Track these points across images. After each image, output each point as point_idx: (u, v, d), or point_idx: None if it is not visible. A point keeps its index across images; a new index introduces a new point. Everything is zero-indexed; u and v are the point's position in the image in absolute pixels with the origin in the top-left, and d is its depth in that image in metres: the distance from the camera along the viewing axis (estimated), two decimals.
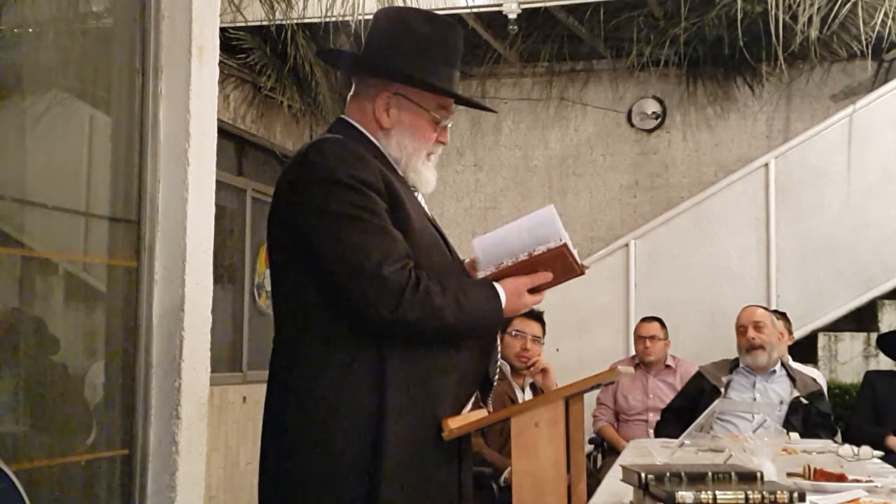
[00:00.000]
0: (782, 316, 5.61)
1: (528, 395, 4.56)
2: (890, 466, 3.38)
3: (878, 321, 6.85)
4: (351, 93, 2.36)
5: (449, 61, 2.32)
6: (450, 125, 2.36)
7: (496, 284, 2.22)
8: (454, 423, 2.17)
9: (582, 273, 2.29)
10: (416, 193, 2.32)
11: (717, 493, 1.93)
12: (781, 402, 4.64)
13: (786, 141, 7.40)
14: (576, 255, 2.24)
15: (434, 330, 2.14)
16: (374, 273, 2.07)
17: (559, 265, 2.24)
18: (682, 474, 2.02)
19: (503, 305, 2.21)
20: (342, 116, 2.35)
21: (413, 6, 2.48)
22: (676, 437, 3.53)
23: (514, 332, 4.53)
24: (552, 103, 8.33)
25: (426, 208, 2.35)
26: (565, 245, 2.19)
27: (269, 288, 7.38)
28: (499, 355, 2.38)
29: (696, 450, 3.39)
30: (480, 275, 2.27)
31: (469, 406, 2.31)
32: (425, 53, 2.27)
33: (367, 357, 2.12)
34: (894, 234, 6.81)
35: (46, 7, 3.32)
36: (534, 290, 2.26)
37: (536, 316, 4.56)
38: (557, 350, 6.45)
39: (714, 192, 7.21)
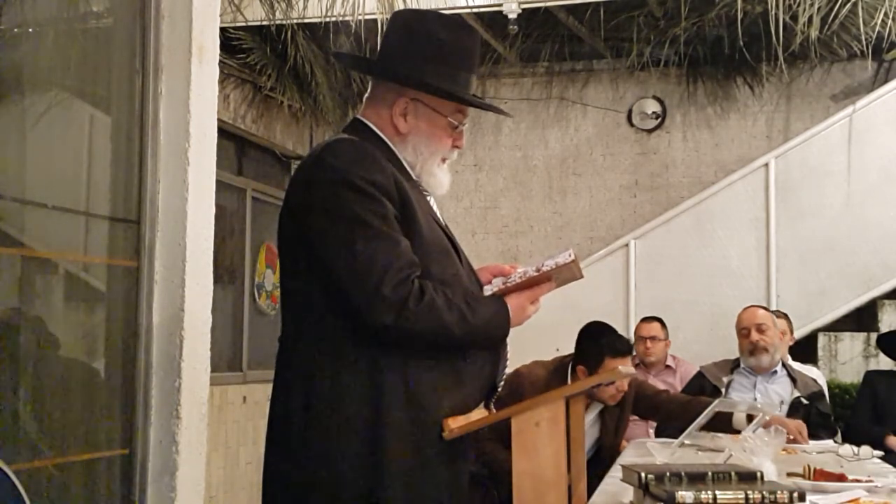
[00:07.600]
0: (783, 316, 5.60)
1: None
2: (890, 466, 3.39)
3: (878, 321, 6.84)
4: (367, 94, 2.35)
5: (466, 66, 2.31)
6: (465, 128, 2.35)
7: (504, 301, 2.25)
8: (455, 423, 2.17)
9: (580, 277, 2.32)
10: (428, 198, 2.31)
11: (717, 493, 1.93)
12: (782, 403, 4.63)
13: (786, 141, 7.38)
14: (579, 265, 2.28)
15: (437, 340, 2.14)
16: (377, 281, 2.06)
17: (562, 276, 2.29)
18: (682, 474, 2.03)
19: (510, 322, 2.24)
20: (358, 117, 2.35)
21: (429, 9, 2.46)
22: (676, 437, 3.53)
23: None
24: (552, 103, 8.33)
25: (439, 215, 2.34)
26: (574, 261, 2.22)
27: (269, 288, 7.38)
28: (507, 363, 2.38)
29: (696, 450, 3.39)
30: (487, 291, 2.28)
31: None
32: (444, 60, 2.26)
33: (372, 361, 2.13)
34: (894, 234, 6.80)
35: (46, 7, 3.31)
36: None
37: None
38: (557, 350, 6.43)
39: (714, 192, 7.20)
